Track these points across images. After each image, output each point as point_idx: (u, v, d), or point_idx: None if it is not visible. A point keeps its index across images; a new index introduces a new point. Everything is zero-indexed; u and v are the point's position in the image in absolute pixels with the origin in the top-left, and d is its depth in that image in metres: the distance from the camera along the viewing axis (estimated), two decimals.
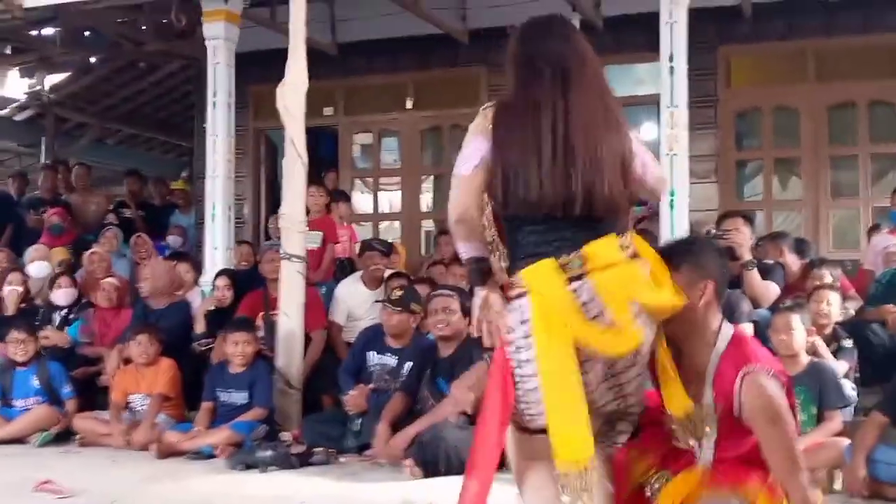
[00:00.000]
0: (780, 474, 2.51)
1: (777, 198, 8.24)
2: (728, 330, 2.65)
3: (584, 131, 2.49)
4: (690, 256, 2.65)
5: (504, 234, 2.62)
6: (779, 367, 2.59)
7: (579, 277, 2.44)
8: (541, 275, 2.46)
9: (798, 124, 7.92)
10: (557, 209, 2.47)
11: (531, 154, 2.47)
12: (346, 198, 8.04)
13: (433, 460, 4.47)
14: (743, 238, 5.31)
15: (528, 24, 2.69)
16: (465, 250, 2.59)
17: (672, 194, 5.79)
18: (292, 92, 5.54)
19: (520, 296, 2.49)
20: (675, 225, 5.80)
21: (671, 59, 5.82)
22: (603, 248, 2.46)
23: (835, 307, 5.03)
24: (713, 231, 5.57)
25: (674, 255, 2.65)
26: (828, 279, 5.37)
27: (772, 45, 7.92)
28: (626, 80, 8.42)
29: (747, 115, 8.23)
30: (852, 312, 5.53)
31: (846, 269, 6.45)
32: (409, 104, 8.93)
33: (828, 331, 4.99)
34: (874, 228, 6.88)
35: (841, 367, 4.75)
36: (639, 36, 7.46)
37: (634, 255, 2.53)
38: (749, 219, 5.60)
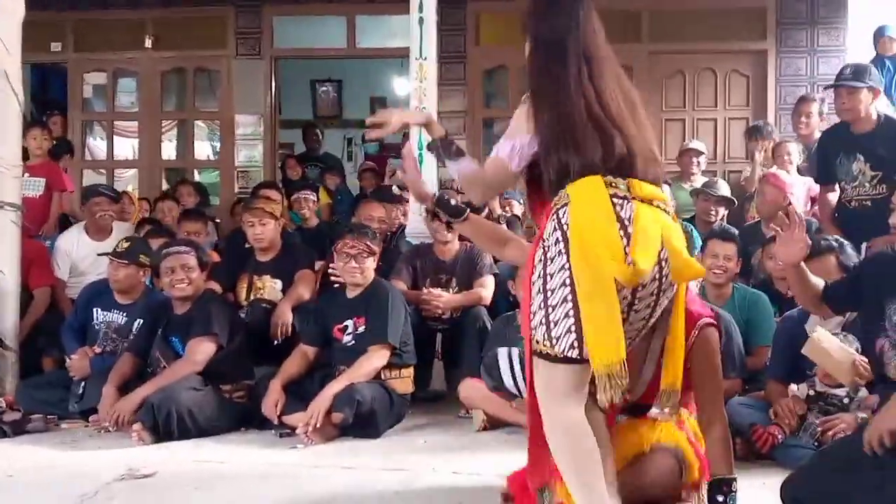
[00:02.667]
0: (708, 404, 2.91)
1: None
2: None
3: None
4: None
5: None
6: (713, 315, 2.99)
7: (623, 198, 2.49)
8: (587, 185, 2.49)
9: None
10: None
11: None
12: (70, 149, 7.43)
13: (165, 424, 4.19)
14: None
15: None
16: None
17: (420, 149, 5.75)
18: (4, 19, 4.94)
19: (563, 206, 2.50)
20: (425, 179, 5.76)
21: (420, 8, 5.76)
22: (649, 187, 2.54)
23: None
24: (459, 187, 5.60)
25: None
26: None
27: (519, 4, 8.04)
28: (378, 32, 8.33)
29: (495, 74, 8.36)
30: None
31: None
32: (148, 43, 8.33)
33: None
34: None
35: None
36: None
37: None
38: None
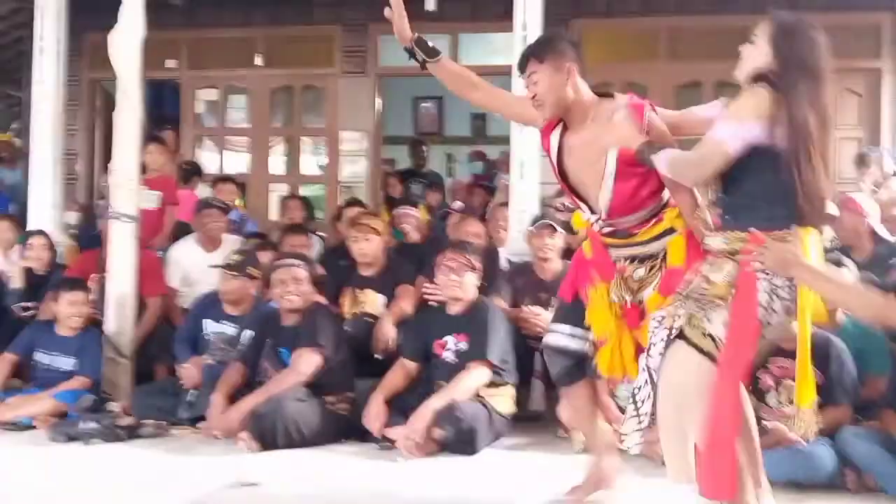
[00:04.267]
0: (685, 209, 3.06)
1: None
2: (622, 100, 3.17)
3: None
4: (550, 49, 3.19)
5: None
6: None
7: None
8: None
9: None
10: None
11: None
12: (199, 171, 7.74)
13: (271, 434, 4.30)
14: None
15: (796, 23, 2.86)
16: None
17: (521, 165, 5.78)
18: (126, 38, 5.18)
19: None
20: (524, 196, 5.78)
21: (524, 28, 5.78)
22: None
23: None
24: (566, 204, 5.59)
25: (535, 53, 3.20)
26: None
27: (626, 22, 8.01)
28: (481, 49, 8.37)
29: (600, 89, 8.29)
30: None
31: None
32: (258, 61, 8.57)
33: None
34: None
35: None
36: (496, 4, 7.38)
37: None
38: None
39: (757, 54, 2.83)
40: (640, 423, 2.92)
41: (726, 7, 7.68)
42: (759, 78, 2.77)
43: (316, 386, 4.52)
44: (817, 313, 2.81)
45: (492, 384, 4.43)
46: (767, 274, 2.72)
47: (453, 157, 11.39)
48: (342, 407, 4.59)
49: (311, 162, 9.44)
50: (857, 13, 7.50)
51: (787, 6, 7.69)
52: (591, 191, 3.21)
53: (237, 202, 7.39)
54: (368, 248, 5.23)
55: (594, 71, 8.15)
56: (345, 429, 4.55)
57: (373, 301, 5.27)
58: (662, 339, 2.80)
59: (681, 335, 2.77)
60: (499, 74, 8.10)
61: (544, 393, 4.92)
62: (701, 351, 2.74)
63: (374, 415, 4.40)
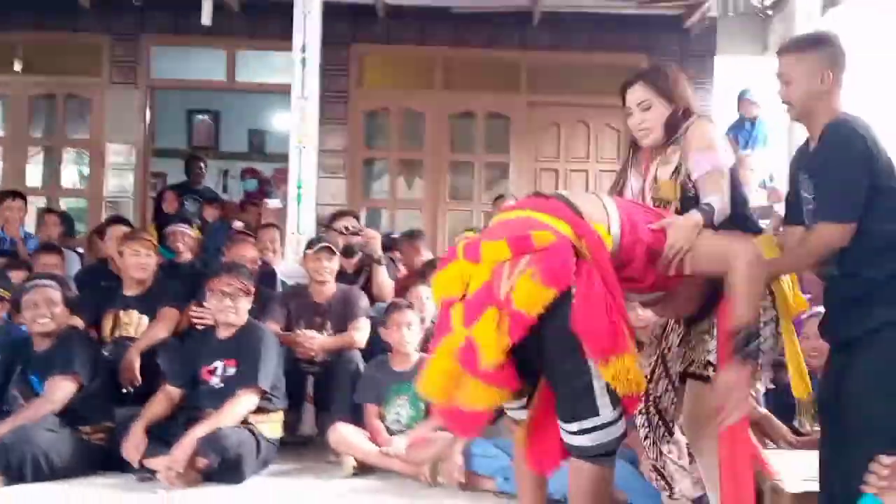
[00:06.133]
0: None
1: (401, 197, 8.53)
2: None
3: None
4: None
5: None
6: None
7: None
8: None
9: (424, 128, 8.28)
10: None
11: None
12: None
13: (18, 466, 4.00)
14: (375, 234, 5.60)
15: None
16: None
17: (299, 186, 5.75)
18: None
19: None
20: (301, 218, 5.75)
21: (304, 49, 5.77)
22: None
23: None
24: (349, 228, 5.62)
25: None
26: None
27: (403, 49, 8.17)
28: (261, 67, 8.29)
29: (377, 115, 8.43)
30: None
31: None
32: (17, 66, 8.04)
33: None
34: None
35: None
36: (275, 23, 7.32)
37: None
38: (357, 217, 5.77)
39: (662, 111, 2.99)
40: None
41: (498, 41, 8.03)
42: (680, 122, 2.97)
43: (70, 415, 4.25)
44: (797, 305, 3.02)
45: (261, 410, 4.34)
46: None
47: (229, 173, 11.15)
48: (98, 437, 4.34)
49: (73, 174, 8.94)
50: (616, 54, 8.03)
51: (549, 47, 8.18)
52: None
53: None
54: (150, 263, 5.03)
55: (372, 95, 8.42)
56: (102, 460, 4.30)
57: (137, 323, 5.02)
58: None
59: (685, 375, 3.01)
60: (278, 93, 8.10)
61: (315, 417, 4.89)
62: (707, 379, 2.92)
63: (133, 444, 4.19)
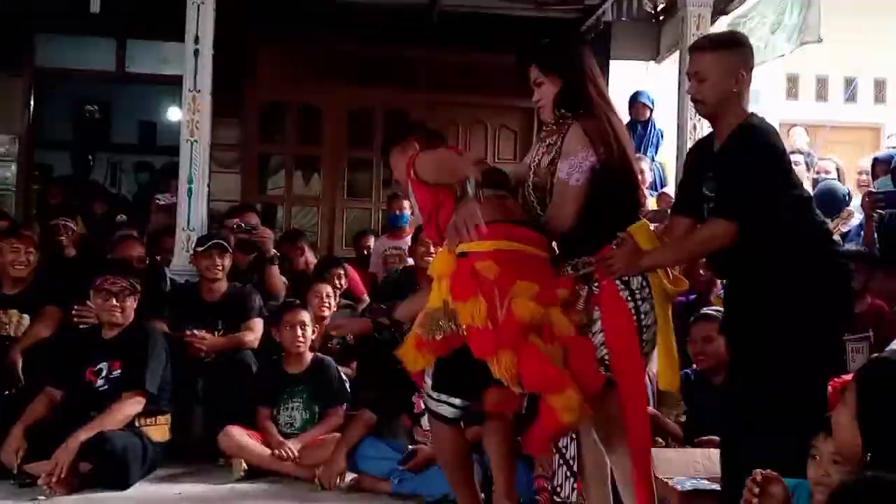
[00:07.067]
0: None
1: (297, 193, 8.41)
2: None
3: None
4: None
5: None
6: None
7: None
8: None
9: (322, 124, 8.18)
10: None
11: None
12: None
13: None
14: (269, 233, 5.52)
15: (581, 40, 2.94)
16: None
17: (190, 182, 5.60)
18: None
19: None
20: (192, 214, 5.60)
21: (196, 41, 5.61)
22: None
23: (332, 300, 5.17)
24: (241, 225, 5.52)
25: None
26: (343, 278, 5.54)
27: (302, 44, 8.05)
28: (151, 58, 8.08)
29: (274, 109, 8.28)
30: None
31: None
32: None
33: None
34: (362, 234, 7.23)
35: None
36: (167, 12, 7.10)
37: None
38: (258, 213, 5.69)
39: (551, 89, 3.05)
40: None
41: (397, 38, 7.99)
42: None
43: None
44: (676, 285, 2.94)
45: (148, 413, 4.22)
46: (624, 281, 2.83)
47: (119, 165, 10.82)
48: None
49: None
50: (514, 56, 8.08)
51: (448, 47, 8.11)
52: None
53: None
54: (31, 260, 4.83)
55: (268, 89, 8.25)
56: None
57: (17, 322, 4.82)
58: None
59: None
60: (169, 84, 7.87)
61: (204, 419, 4.77)
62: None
63: (12, 449, 4.04)
